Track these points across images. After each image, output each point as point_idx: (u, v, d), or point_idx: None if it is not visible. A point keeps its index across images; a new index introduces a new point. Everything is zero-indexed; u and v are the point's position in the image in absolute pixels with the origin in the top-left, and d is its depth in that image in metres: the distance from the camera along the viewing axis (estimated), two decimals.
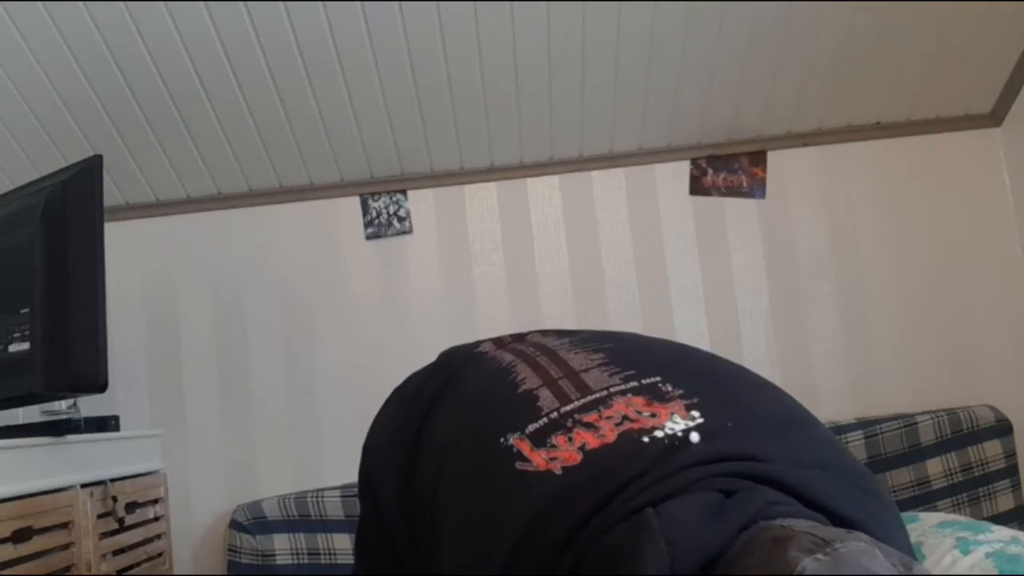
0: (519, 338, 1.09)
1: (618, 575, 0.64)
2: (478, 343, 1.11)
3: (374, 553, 1.06)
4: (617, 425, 0.78)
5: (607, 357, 0.91)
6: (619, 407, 0.80)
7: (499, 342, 1.10)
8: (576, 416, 0.81)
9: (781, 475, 0.72)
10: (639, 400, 0.81)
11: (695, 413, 0.78)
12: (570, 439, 0.78)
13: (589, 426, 0.79)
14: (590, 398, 0.83)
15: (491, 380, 0.96)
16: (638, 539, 0.64)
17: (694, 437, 0.75)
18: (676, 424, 0.77)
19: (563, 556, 0.70)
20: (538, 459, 0.77)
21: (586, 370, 0.89)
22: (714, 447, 0.75)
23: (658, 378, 0.84)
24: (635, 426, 0.77)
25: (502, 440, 0.81)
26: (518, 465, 0.78)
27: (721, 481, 0.71)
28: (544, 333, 1.09)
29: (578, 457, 0.76)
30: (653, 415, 0.79)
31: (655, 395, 0.82)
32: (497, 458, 0.80)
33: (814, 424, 0.86)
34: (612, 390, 0.84)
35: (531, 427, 0.82)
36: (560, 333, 1.07)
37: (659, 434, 0.76)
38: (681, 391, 0.82)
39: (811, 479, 0.73)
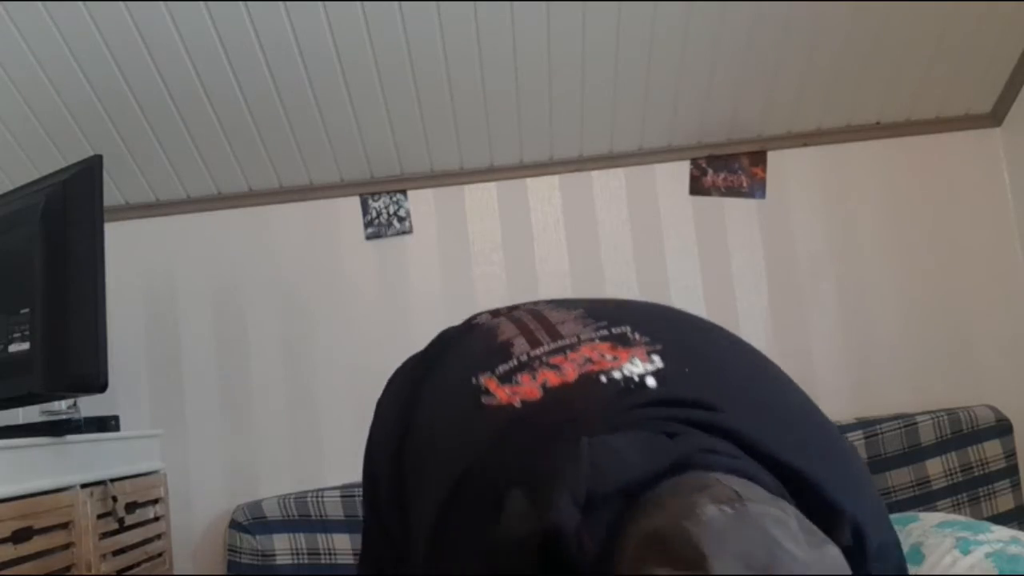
0: (514, 307, 1.11)
1: (541, 494, 0.67)
2: (475, 315, 1.13)
3: (378, 554, 1.06)
4: (580, 367, 0.82)
5: (585, 312, 0.95)
6: (585, 351, 0.84)
7: (495, 313, 1.11)
8: (543, 359, 0.85)
9: (728, 423, 0.74)
10: (605, 346, 0.85)
11: (655, 358, 0.82)
12: (534, 377, 0.82)
13: (554, 367, 0.83)
14: (560, 343, 0.87)
15: (478, 340, 0.99)
16: (566, 461, 0.67)
17: (650, 381, 0.79)
18: (635, 367, 0.80)
19: (509, 480, 0.73)
20: (502, 393, 0.82)
21: (562, 322, 0.93)
22: (668, 391, 0.77)
23: (628, 327, 0.88)
24: (595, 367, 0.81)
25: (473, 380, 0.86)
26: (483, 399, 0.82)
27: (668, 424, 0.73)
28: (536, 302, 1.11)
29: (539, 393, 0.80)
30: (615, 358, 0.82)
31: (621, 341, 0.85)
32: (466, 396, 0.84)
33: (786, 384, 0.88)
34: (582, 337, 0.87)
35: (501, 368, 0.86)
36: (551, 300, 1.09)
37: (616, 375, 0.79)
38: (647, 338, 0.85)
39: (760, 429, 0.74)
